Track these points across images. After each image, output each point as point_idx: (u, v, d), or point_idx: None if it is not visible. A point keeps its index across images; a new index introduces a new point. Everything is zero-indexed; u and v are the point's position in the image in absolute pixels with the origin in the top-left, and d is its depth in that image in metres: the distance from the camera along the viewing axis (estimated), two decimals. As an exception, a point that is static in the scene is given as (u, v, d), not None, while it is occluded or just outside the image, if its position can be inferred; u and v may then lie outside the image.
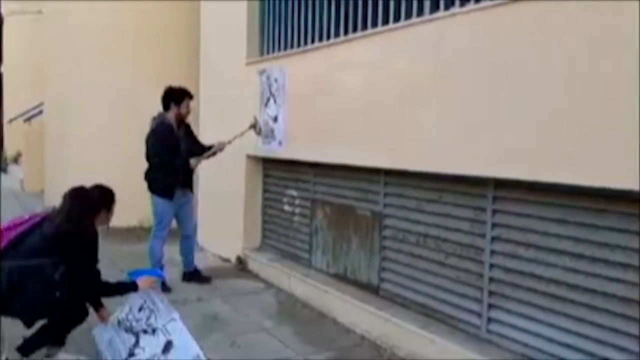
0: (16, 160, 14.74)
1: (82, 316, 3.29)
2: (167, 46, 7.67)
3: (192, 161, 4.78)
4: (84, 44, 7.85)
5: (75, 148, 7.99)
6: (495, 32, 2.99)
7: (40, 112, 10.84)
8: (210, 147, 4.95)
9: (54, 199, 8.81)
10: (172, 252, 5.48)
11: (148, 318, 3.26)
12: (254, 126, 5.20)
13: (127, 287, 3.33)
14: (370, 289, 4.19)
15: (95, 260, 3.26)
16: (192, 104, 4.97)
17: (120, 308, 3.37)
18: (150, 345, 3.18)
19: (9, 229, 3.08)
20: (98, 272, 3.28)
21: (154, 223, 4.91)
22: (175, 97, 4.81)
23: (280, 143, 4.96)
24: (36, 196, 10.39)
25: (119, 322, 3.32)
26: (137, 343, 3.23)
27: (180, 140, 4.81)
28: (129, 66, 7.59)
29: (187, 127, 4.98)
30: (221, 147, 4.96)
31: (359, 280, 4.32)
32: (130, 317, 3.30)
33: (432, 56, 3.40)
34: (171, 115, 4.81)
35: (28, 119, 12.30)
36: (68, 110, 8.16)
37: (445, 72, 3.30)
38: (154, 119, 4.85)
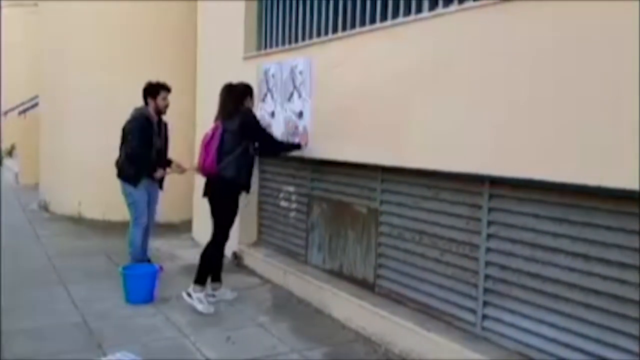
0: (10, 153, 14.66)
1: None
2: (164, 40, 7.63)
3: (158, 174, 4.89)
4: (80, 37, 7.80)
5: (70, 142, 7.95)
6: (493, 31, 2.99)
7: (36, 105, 10.76)
8: (170, 162, 5.09)
9: (48, 193, 8.79)
10: (168, 246, 5.47)
11: None
12: None
13: (292, 147, 4.57)
14: (366, 286, 4.19)
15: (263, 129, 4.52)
16: (171, 97, 4.99)
17: None
18: None
19: (207, 144, 4.29)
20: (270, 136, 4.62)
21: (131, 213, 4.94)
22: (152, 90, 4.92)
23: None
24: (31, 189, 10.36)
25: None
26: None
27: (155, 134, 4.88)
28: (125, 61, 7.55)
29: (165, 125, 5.07)
30: (179, 171, 5.14)
31: (355, 277, 4.33)
32: None
33: (429, 54, 3.40)
34: (150, 109, 4.90)
35: (23, 112, 12.22)
36: (63, 104, 8.11)
37: (443, 70, 3.30)
38: (136, 109, 4.92)
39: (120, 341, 3.62)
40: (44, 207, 8.57)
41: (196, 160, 4.35)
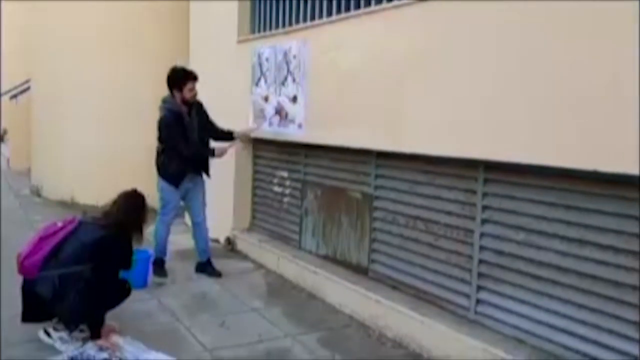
0: (3, 138, 14.53)
1: (122, 298, 3.50)
2: (158, 24, 7.53)
3: (217, 151, 4.57)
4: (74, 21, 7.70)
5: (63, 126, 7.88)
6: (488, 16, 2.95)
7: (27, 90, 10.65)
8: (229, 133, 4.75)
9: (41, 177, 8.72)
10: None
11: None
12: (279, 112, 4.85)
13: (96, 326, 3.28)
14: (360, 271, 4.19)
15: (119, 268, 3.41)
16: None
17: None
18: None
19: (46, 237, 3.26)
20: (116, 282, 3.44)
21: (159, 206, 4.69)
22: (177, 80, 4.48)
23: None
24: (22, 174, 10.29)
25: None
26: None
27: (189, 127, 4.51)
28: (119, 45, 7.45)
29: (199, 106, 4.66)
30: (245, 135, 4.78)
31: (349, 262, 4.33)
32: None
33: (425, 37, 3.36)
34: (178, 101, 4.49)
35: (14, 97, 12.09)
36: (56, 88, 8.03)
37: (437, 54, 3.27)
38: (164, 101, 4.54)
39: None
40: (36, 192, 8.51)
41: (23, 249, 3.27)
